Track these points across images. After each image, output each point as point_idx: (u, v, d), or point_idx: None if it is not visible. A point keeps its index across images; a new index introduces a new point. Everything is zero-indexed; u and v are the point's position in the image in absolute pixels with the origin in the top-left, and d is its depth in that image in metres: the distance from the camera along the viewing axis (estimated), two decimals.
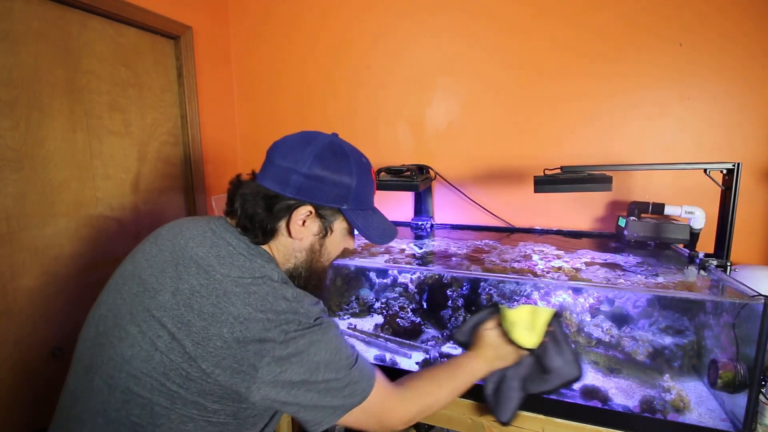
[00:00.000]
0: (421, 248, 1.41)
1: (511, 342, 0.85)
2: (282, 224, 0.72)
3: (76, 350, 0.71)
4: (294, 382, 0.63)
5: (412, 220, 1.74)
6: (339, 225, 0.77)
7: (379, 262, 1.26)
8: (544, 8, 1.50)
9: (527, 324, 0.84)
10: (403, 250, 1.36)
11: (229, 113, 2.01)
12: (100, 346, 0.66)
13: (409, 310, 1.36)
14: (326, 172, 0.71)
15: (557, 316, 0.87)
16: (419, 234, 1.63)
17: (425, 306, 1.44)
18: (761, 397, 0.89)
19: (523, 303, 0.87)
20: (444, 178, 1.70)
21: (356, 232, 0.81)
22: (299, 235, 0.73)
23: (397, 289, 1.45)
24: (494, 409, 0.91)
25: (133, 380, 0.62)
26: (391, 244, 1.43)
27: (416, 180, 1.38)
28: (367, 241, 0.81)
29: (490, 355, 0.87)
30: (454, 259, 1.26)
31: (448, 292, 1.35)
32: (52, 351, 1.29)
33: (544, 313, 0.85)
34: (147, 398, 0.61)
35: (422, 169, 1.58)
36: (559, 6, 1.48)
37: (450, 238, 1.53)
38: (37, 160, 1.24)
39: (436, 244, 1.47)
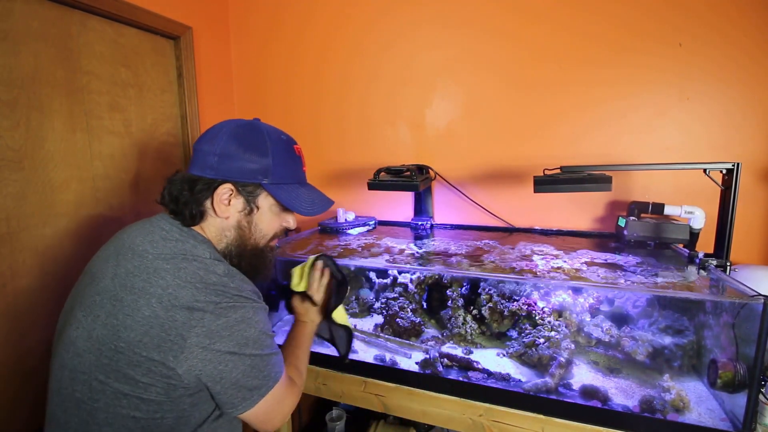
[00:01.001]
0: (421, 248, 1.41)
1: (302, 297, 1.01)
2: (208, 204, 0.76)
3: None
4: (222, 352, 0.66)
5: (412, 220, 1.74)
6: (265, 201, 0.80)
7: (379, 262, 1.26)
8: (544, 9, 1.50)
9: (299, 274, 1.01)
10: (403, 250, 1.36)
11: (229, 113, 2.01)
12: (58, 336, 0.75)
13: (409, 310, 1.36)
14: (240, 149, 0.76)
15: (322, 257, 1.01)
16: (419, 234, 1.63)
17: (425, 306, 1.44)
18: (761, 396, 0.90)
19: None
20: (444, 178, 1.70)
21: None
22: (224, 214, 0.77)
23: (397, 289, 1.45)
24: (338, 350, 1.07)
25: (77, 358, 0.68)
26: (392, 244, 1.43)
27: (416, 180, 1.38)
28: (304, 216, 0.85)
29: (306, 316, 1.00)
30: (454, 259, 1.26)
31: (448, 292, 1.35)
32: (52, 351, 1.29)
33: (308, 262, 1.02)
34: (86, 373, 0.67)
35: (422, 169, 1.58)
36: (559, 7, 1.48)
37: (450, 238, 1.53)
38: (37, 160, 1.24)
39: (436, 244, 1.47)
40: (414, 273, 1.44)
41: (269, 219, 0.82)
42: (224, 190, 0.76)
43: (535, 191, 1.17)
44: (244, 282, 0.74)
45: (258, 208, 0.80)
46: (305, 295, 1.00)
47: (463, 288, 1.37)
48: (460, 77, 1.65)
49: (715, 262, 1.11)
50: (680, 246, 1.31)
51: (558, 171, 1.19)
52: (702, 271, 1.10)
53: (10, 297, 1.19)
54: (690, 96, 1.39)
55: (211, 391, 0.69)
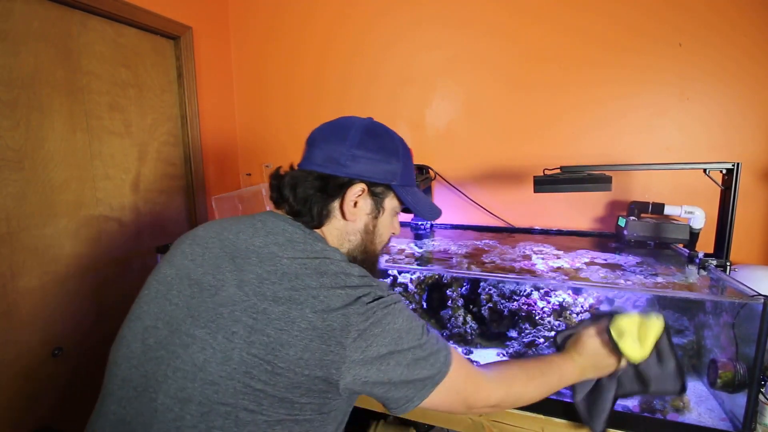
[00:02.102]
0: (421, 248, 1.41)
1: (614, 351, 0.77)
2: (335, 205, 0.71)
3: (113, 373, 0.63)
4: (382, 355, 0.60)
5: (412, 220, 1.74)
6: (389, 203, 0.76)
7: (379, 262, 1.26)
8: (544, 9, 1.50)
9: (637, 336, 0.76)
10: (403, 250, 1.36)
11: (229, 113, 2.01)
12: (155, 360, 0.60)
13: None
14: (374, 149, 0.71)
15: (666, 328, 0.79)
16: (419, 234, 1.63)
17: (425, 306, 1.44)
18: (761, 396, 0.90)
19: (630, 312, 0.80)
20: (444, 178, 1.70)
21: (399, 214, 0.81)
22: (353, 216, 0.71)
23: (397, 289, 1.45)
24: (587, 420, 0.84)
25: (212, 387, 0.56)
26: (391, 243, 1.43)
27: (416, 180, 1.38)
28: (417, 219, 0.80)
29: (585, 363, 0.80)
30: (454, 259, 1.26)
31: (448, 292, 1.35)
32: (52, 351, 1.29)
33: (654, 325, 0.77)
34: (230, 404, 0.55)
35: (422, 169, 1.58)
36: (559, 7, 1.48)
37: (450, 238, 1.53)
38: (37, 160, 1.24)
39: (436, 244, 1.47)
40: (414, 273, 1.44)
41: (388, 223, 0.78)
42: (357, 190, 0.70)
43: (535, 191, 1.17)
44: (380, 281, 0.68)
45: (384, 210, 0.75)
46: (616, 349, 0.77)
47: (463, 288, 1.37)
48: (459, 77, 1.65)
49: (715, 262, 1.11)
50: (680, 246, 1.31)
51: (558, 171, 1.19)
52: (702, 271, 1.10)
53: (10, 297, 1.19)
54: (690, 96, 1.39)
55: (377, 394, 0.62)
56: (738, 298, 0.90)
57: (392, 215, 0.78)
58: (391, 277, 1.50)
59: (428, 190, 1.71)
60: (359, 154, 0.70)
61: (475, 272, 1.16)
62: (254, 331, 0.57)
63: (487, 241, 1.46)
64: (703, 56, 1.36)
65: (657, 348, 0.79)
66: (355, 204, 0.71)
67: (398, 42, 1.71)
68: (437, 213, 0.82)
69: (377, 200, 0.74)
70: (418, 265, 1.29)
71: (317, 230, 0.71)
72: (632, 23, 1.41)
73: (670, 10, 1.37)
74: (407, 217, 1.78)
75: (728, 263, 1.10)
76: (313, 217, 0.70)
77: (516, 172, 1.62)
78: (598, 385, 0.83)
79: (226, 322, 0.58)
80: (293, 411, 0.57)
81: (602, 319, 0.82)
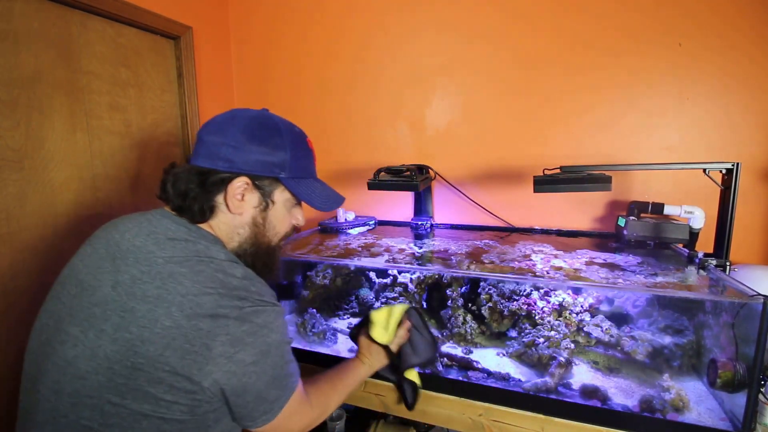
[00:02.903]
0: (421, 248, 1.41)
1: (374, 340, 0.95)
2: (219, 199, 0.71)
3: (23, 367, 0.69)
4: (247, 363, 0.62)
5: (412, 220, 1.74)
6: (280, 196, 0.76)
7: (379, 262, 1.26)
8: (543, 13, 1.50)
9: (384, 323, 0.95)
10: (403, 250, 1.36)
11: None
12: (43, 355, 0.64)
13: None
14: (257, 141, 0.70)
15: (410, 311, 0.99)
16: (419, 234, 1.63)
17: (425, 306, 1.44)
18: (760, 396, 0.90)
19: (388, 305, 0.99)
20: (444, 178, 1.70)
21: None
22: (239, 210, 0.71)
23: (397, 288, 1.45)
24: (403, 400, 1.04)
25: (80, 381, 0.59)
26: (391, 243, 1.43)
27: (416, 180, 1.38)
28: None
29: (368, 359, 0.95)
30: (453, 258, 1.26)
31: (448, 292, 1.35)
32: None
33: (396, 312, 0.96)
34: (95, 397, 0.59)
35: (422, 169, 1.58)
36: (559, 11, 1.48)
37: (450, 238, 1.53)
38: (37, 160, 1.24)
39: (436, 243, 1.47)
40: (414, 273, 1.44)
41: (283, 215, 0.78)
42: (239, 184, 0.70)
43: (534, 191, 1.17)
44: (263, 285, 0.69)
45: (273, 203, 0.75)
46: (379, 344, 0.95)
47: (463, 288, 1.37)
48: (460, 78, 1.65)
49: (714, 262, 1.11)
50: (680, 246, 1.31)
51: (558, 171, 1.19)
52: (702, 271, 1.10)
53: (10, 297, 1.19)
54: (689, 97, 1.39)
55: (231, 404, 0.64)
56: (738, 298, 0.90)
57: (287, 207, 0.78)
58: (391, 277, 1.50)
59: (428, 190, 1.71)
60: (240, 146, 0.69)
61: (475, 272, 1.16)
62: (119, 329, 0.59)
63: (487, 241, 1.46)
64: (702, 57, 1.36)
65: (414, 329, 0.99)
66: (242, 197, 0.71)
67: (401, 44, 1.71)
68: (336, 202, 0.83)
69: (264, 193, 0.73)
70: (418, 265, 1.29)
71: (206, 226, 0.71)
72: (633, 25, 1.41)
73: (669, 12, 1.37)
74: (405, 217, 1.78)
75: (728, 263, 1.10)
76: (195, 213, 0.70)
77: (516, 172, 1.62)
78: (392, 367, 1.00)
79: (97, 320, 0.61)
80: (158, 408, 0.59)
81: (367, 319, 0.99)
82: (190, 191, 0.69)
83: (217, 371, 0.60)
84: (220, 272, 0.64)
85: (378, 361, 0.97)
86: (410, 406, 1.03)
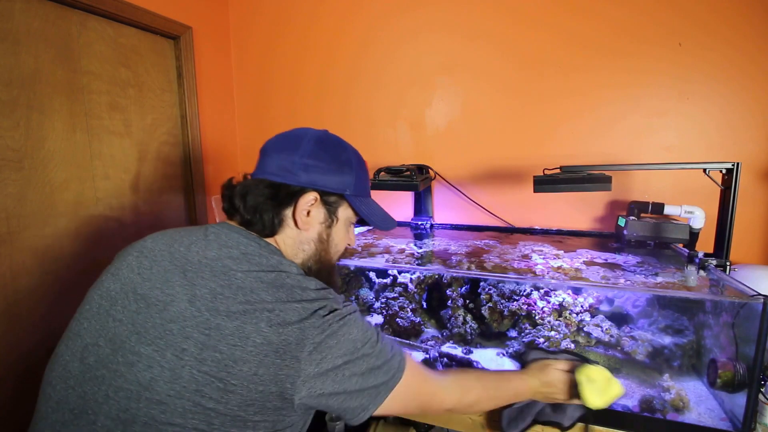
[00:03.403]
0: (420, 248, 1.41)
1: (572, 391, 0.84)
2: (288, 214, 0.71)
3: (47, 394, 0.60)
4: (337, 366, 0.59)
5: (412, 220, 1.74)
6: (343, 213, 0.77)
7: (379, 262, 1.26)
8: (543, 14, 1.50)
9: (600, 387, 0.82)
10: (403, 250, 1.36)
11: (229, 113, 2.01)
12: (95, 380, 0.57)
13: (408, 309, 1.36)
14: (327, 158, 0.72)
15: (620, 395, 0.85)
16: (419, 234, 1.63)
17: (425, 306, 1.44)
18: (760, 396, 0.90)
19: (601, 367, 0.85)
20: (444, 178, 1.70)
21: (355, 225, 0.82)
22: (306, 225, 0.72)
23: (397, 288, 1.45)
24: (505, 426, 0.92)
25: (158, 407, 0.54)
26: (391, 243, 1.43)
27: (416, 180, 1.38)
28: (371, 228, 0.82)
29: (540, 390, 0.85)
30: (453, 258, 1.26)
31: (448, 292, 1.35)
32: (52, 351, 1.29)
33: (617, 387, 0.83)
34: (178, 424, 0.53)
35: (422, 169, 1.58)
36: (560, 8, 1.48)
37: (450, 238, 1.53)
38: (37, 160, 1.24)
39: (436, 243, 1.47)
40: (414, 273, 1.44)
41: (343, 233, 0.78)
42: (309, 198, 0.71)
43: (535, 191, 1.17)
44: (335, 294, 0.68)
45: (337, 219, 0.76)
46: (575, 390, 0.83)
47: (463, 288, 1.37)
48: (460, 78, 1.65)
49: (714, 262, 1.11)
50: (680, 246, 1.31)
51: (558, 171, 1.19)
52: (702, 271, 1.10)
53: (11, 297, 1.19)
54: (689, 97, 1.39)
55: (333, 406, 0.61)
56: (738, 297, 0.90)
57: (347, 225, 0.79)
58: (391, 277, 1.50)
59: (428, 190, 1.71)
60: (311, 163, 0.70)
61: (475, 272, 1.16)
62: (206, 348, 0.55)
63: (487, 241, 1.46)
64: (702, 57, 1.36)
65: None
66: (308, 213, 0.71)
67: (401, 44, 1.71)
68: (392, 223, 0.83)
69: (330, 209, 0.74)
70: (418, 265, 1.29)
71: (272, 241, 0.71)
72: (632, 25, 1.41)
73: (669, 13, 1.37)
74: (405, 217, 1.78)
75: (728, 263, 1.10)
76: (265, 226, 0.69)
77: (516, 172, 1.62)
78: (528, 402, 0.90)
79: (175, 338, 0.56)
80: (245, 430, 0.56)
81: (575, 359, 0.90)
82: (260, 205, 0.69)
83: (309, 381, 0.58)
84: (297, 286, 0.63)
85: (546, 396, 0.86)
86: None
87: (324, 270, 0.75)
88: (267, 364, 0.55)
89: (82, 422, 0.55)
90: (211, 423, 0.54)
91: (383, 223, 0.80)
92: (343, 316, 0.63)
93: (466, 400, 0.76)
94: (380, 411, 0.65)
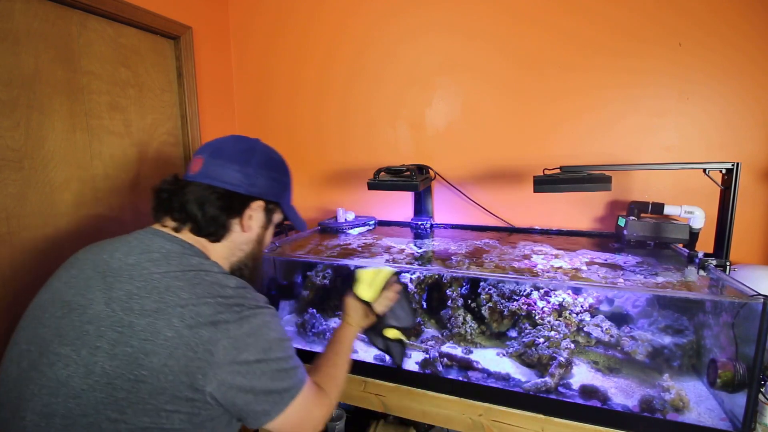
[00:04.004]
0: (421, 248, 1.41)
1: (359, 300, 0.98)
2: (236, 219, 0.78)
3: None
4: (250, 362, 0.64)
5: (412, 220, 1.74)
6: (276, 217, 0.87)
7: (379, 262, 1.26)
8: (544, 10, 1.50)
9: (369, 282, 0.98)
10: (403, 250, 1.36)
11: (229, 113, 2.01)
12: (25, 381, 0.62)
13: None
14: (273, 169, 0.82)
15: (397, 276, 1.03)
16: (419, 234, 1.63)
17: (425, 306, 1.44)
18: (760, 396, 0.90)
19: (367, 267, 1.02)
20: (444, 178, 1.70)
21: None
22: (248, 228, 0.80)
23: None
24: (393, 361, 1.04)
25: (74, 400, 0.59)
26: (391, 243, 1.43)
27: (416, 180, 1.38)
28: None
29: (353, 319, 0.97)
30: (453, 258, 1.26)
31: (448, 292, 1.35)
32: None
33: (383, 272, 1.00)
34: (91, 415, 0.58)
35: (422, 169, 1.58)
36: (560, 8, 1.48)
37: (450, 238, 1.53)
38: (37, 160, 1.24)
39: (436, 244, 1.47)
40: (414, 273, 1.44)
41: (271, 234, 0.88)
42: (256, 206, 0.79)
43: (535, 191, 1.17)
44: (255, 292, 0.74)
45: (272, 223, 0.86)
46: (364, 301, 0.98)
47: (463, 288, 1.37)
48: (460, 78, 1.65)
49: (714, 262, 1.11)
50: (680, 246, 1.31)
51: (558, 171, 1.19)
52: (702, 271, 1.10)
53: (10, 297, 1.19)
54: (689, 97, 1.39)
55: (239, 404, 0.64)
56: (738, 297, 0.90)
57: (272, 227, 0.89)
58: None
59: (428, 190, 1.71)
60: (260, 174, 0.79)
61: (475, 272, 1.16)
62: (118, 344, 0.60)
63: (487, 241, 1.46)
64: (702, 57, 1.36)
65: (399, 297, 1.01)
66: (251, 217, 0.80)
67: (401, 44, 1.71)
68: (305, 225, 0.97)
69: (269, 214, 0.84)
70: (418, 265, 1.29)
71: (199, 245, 0.75)
72: (632, 25, 1.41)
73: (669, 13, 1.37)
74: (405, 217, 1.78)
75: (728, 263, 1.10)
76: (218, 233, 0.76)
77: (516, 172, 1.62)
78: (377, 337, 1.03)
79: (90, 338, 0.61)
80: (159, 419, 0.59)
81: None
82: (218, 215, 0.75)
83: (221, 374, 0.61)
84: (216, 284, 0.68)
85: (362, 319, 0.99)
86: (399, 366, 1.07)
87: (256, 266, 0.85)
88: (177, 356, 0.59)
89: (16, 419, 0.61)
90: (123, 412, 0.58)
91: (301, 225, 0.93)
92: (263, 315, 0.68)
93: (338, 390, 0.85)
94: (277, 423, 0.68)
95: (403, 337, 1.04)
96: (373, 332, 1.03)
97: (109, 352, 0.60)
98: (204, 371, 0.60)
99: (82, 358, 0.60)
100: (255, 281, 0.81)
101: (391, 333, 1.02)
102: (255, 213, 0.80)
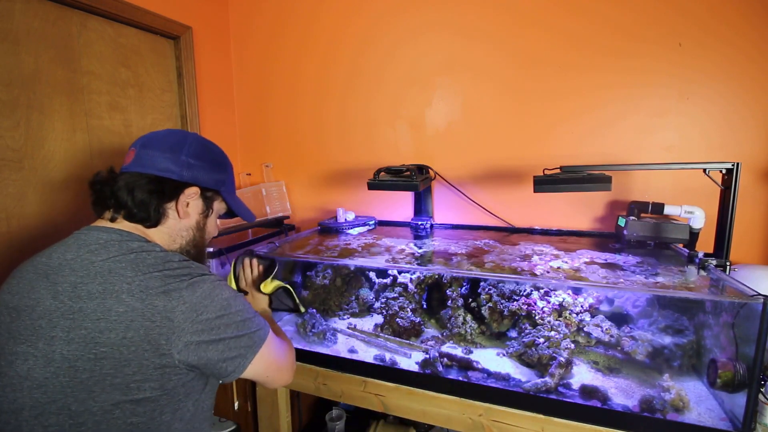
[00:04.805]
0: (421, 248, 1.41)
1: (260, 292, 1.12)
2: (171, 205, 0.80)
3: None
4: (211, 319, 0.67)
5: (412, 220, 1.74)
6: (217, 206, 0.89)
7: (379, 262, 1.26)
8: (544, 10, 1.50)
9: (230, 282, 1.13)
10: (403, 250, 1.36)
11: (229, 113, 2.01)
12: None
13: (408, 309, 1.36)
14: (208, 159, 0.84)
15: (238, 259, 1.16)
16: (419, 234, 1.63)
17: (425, 306, 1.44)
18: (760, 396, 0.90)
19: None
20: (444, 178, 1.70)
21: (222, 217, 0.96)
22: (185, 215, 0.82)
23: (396, 288, 1.45)
24: (294, 310, 1.18)
25: (39, 391, 0.61)
26: (391, 243, 1.43)
27: (416, 180, 1.38)
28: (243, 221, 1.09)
29: (256, 309, 1.04)
30: (454, 258, 1.26)
31: (448, 292, 1.35)
32: None
33: (231, 272, 1.14)
34: (58, 401, 0.60)
35: (422, 169, 1.58)
36: (560, 8, 1.48)
37: (450, 238, 1.53)
38: (37, 160, 1.24)
39: (436, 244, 1.47)
40: (414, 273, 1.44)
41: (214, 223, 0.91)
42: (190, 192, 0.81)
43: (535, 191, 1.17)
44: (201, 265, 0.77)
45: (213, 211, 0.88)
46: (244, 293, 1.11)
47: (463, 288, 1.37)
48: (460, 78, 1.65)
49: (714, 262, 1.11)
50: (680, 246, 1.31)
51: (558, 171, 1.19)
52: (702, 271, 1.10)
53: None
54: (689, 97, 1.39)
55: (213, 357, 0.68)
56: (738, 297, 0.90)
57: (216, 217, 0.91)
58: (391, 277, 1.50)
59: (428, 190, 1.71)
60: (194, 162, 0.81)
61: (475, 272, 1.16)
62: (72, 329, 0.62)
63: (487, 241, 1.46)
64: (702, 57, 1.36)
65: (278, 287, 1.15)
66: (187, 204, 0.82)
67: (401, 44, 1.71)
68: (253, 216, 0.98)
69: (207, 202, 0.86)
70: (418, 265, 1.29)
71: (139, 231, 0.77)
72: (632, 25, 1.41)
73: (669, 13, 1.37)
74: (405, 217, 1.78)
75: (728, 263, 1.10)
76: (150, 217, 0.77)
77: (516, 172, 1.62)
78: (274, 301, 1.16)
79: (44, 330, 0.63)
80: (129, 391, 0.62)
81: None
82: (147, 198, 0.76)
83: (185, 335, 0.64)
84: (159, 259, 0.71)
85: (258, 302, 1.12)
86: (297, 309, 1.18)
87: (199, 253, 0.87)
88: (135, 328, 0.62)
89: None
90: (90, 391, 0.61)
91: (247, 215, 0.95)
92: (213, 280, 0.72)
93: (292, 356, 0.90)
94: (251, 369, 0.73)
95: (280, 283, 1.15)
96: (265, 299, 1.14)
97: (65, 338, 0.62)
98: (167, 337, 0.63)
99: (39, 350, 0.62)
100: None
101: (267, 286, 1.13)
102: (191, 200, 0.82)
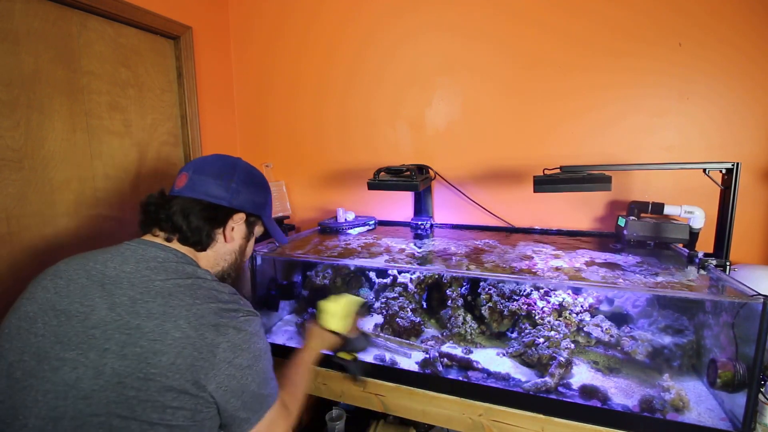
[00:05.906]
0: (420, 248, 1.41)
1: (325, 329, 1.05)
2: (219, 230, 0.83)
3: None
4: (243, 367, 0.68)
5: (412, 220, 1.74)
6: (257, 230, 0.94)
7: (379, 262, 1.26)
8: (544, 10, 1.50)
9: (333, 313, 1.04)
10: (403, 250, 1.36)
11: (229, 113, 2.01)
12: (24, 390, 0.62)
13: (408, 309, 1.36)
14: (254, 185, 0.88)
15: (366, 305, 1.11)
16: (419, 234, 1.63)
17: (425, 306, 1.44)
18: (760, 396, 0.90)
19: (338, 296, 1.08)
20: (444, 178, 1.70)
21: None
22: (231, 239, 0.85)
23: (396, 288, 1.45)
24: (351, 374, 1.13)
25: (84, 402, 0.60)
26: (391, 243, 1.43)
27: (416, 180, 1.38)
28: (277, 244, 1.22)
29: (317, 344, 1.03)
30: (454, 258, 1.26)
31: (448, 292, 1.35)
32: None
33: (353, 304, 1.06)
34: (101, 415, 0.60)
35: (422, 169, 1.58)
36: (560, 9, 1.48)
37: (450, 238, 1.53)
38: (37, 160, 1.24)
39: (436, 243, 1.47)
40: (414, 273, 1.44)
41: (251, 245, 0.94)
42: (238, 218, 0.85)
43: (534, 191, 1.17)
44: (244, 298, 0.78)
45: (253, 235, 0.93)
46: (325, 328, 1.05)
47: (463, 288, 1.37)
48: (460, 78, 1.65)
49: (714, 262, 1.11)
50: (680, 246, 1.31)
51: (558, 171, 1.19)
52: (702, 271, 1.10)
53: (11, 297, 1.19)
54: (689, 97, 1.39)
55: (229, 409, 0.68)
56: (738, 297, 0.90)
57: (254, 240, 0.95)
58: (391, 277, 1.50)
59: (428, 190, 1.71)
60: (243, 189, 0.85)
61: (475, 272, 1.16)
62: (127, 345, 0.63)
63: (487, 241, 1.46)
64: (702, 57, 1.36)
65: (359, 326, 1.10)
66: (233, 229, 0.85)
67: (401, 44, 1.71)
68: (285, 239, 1.03)
69: (250, 227, 0.90)
70: (418, 265, 1.29)
71: (189, 253, 0.80)
72: (632, 25, 1.41)
73: (669, 13, 1.37)
74: (405, 217, 1.78)
75: (728, 263, 1.10)
76: (203, 242, 0.80)
77: (516, 172, 1.62)
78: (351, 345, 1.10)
79: (98, 341, 0.63)
80: (165, 415, 0.62)
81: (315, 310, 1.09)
82: (203, 225, 0.80)
83: (220, 375, 0.65)
84: (213, 289, 0.73)
85: (326, 343, 1.06)
86: (357, 377, 1.13)
87: (239, 276, 0.91)
88: (185, 356, 0.63)
89: (15, 427, 0.61)
90: (133, 410, 0.61)
91: (281, 238, 0.99)
92: (254, 322, 0.73)
93: (299, 407, 0.87)
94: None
95: (356, 355, 1.13)
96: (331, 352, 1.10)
97: (119, 353, 0.62)
98: (206, 371, 0.64)
99: (90, 361, 0.62)
100: (238, 290, 0.83)
101: (345, 355, 1.11)
102: (237, 225, 0.86)
